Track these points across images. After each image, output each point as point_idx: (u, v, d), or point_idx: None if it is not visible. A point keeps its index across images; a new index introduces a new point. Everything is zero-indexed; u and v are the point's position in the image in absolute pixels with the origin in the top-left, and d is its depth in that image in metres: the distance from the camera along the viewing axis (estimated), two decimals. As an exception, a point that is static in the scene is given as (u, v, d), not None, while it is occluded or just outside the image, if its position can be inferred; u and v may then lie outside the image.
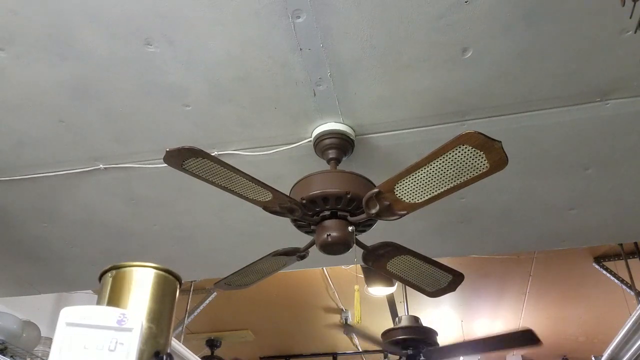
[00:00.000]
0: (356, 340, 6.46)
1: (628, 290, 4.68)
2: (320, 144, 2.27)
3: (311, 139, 2.31)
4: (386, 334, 4.08)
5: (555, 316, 5.88)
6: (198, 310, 5.26)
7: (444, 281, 2.33)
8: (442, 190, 1.82)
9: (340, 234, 2.01)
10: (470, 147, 1.65)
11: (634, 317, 3.52)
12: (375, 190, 1.91)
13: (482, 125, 2.21)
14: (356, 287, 2.17)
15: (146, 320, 1.04)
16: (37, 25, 1.87)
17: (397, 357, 4.26)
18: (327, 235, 2.01)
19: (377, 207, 1.94)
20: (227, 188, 1.95)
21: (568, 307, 5.68)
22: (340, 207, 2.04)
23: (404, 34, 1.88)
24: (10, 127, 2.31)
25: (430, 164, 1.74)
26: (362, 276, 4.74)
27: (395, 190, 1.87)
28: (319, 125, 2.27)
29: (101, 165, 2.53)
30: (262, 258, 2.28)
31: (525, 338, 3.86)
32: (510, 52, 1.94)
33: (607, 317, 5.60)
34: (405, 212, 1.95)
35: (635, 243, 4.46)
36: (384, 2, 1.77)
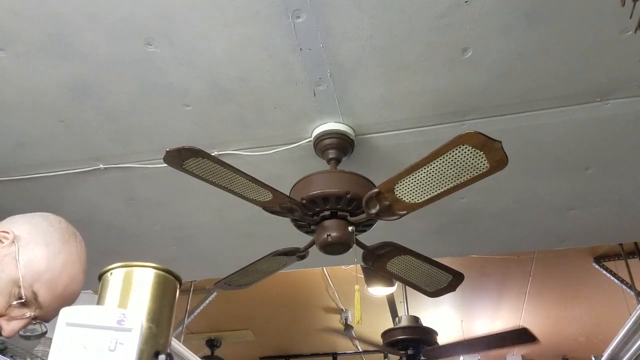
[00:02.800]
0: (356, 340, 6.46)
1: (628, 290, 4.68)
2: (320, 144, 2.27)
3: (311, 139, 2.31)
4: (386, 334, 4.09)
5: (555, 316, 5.87)
6: (198, 310, 5.26)
7: (444, 281, 2.33)
8: (442, 190, 1.82)
9: (340, 234, 2.01)
10: (470, 147, 1.65)
11: (634, 317, 3.52)
12: (375, 190, 1.91)
13: (482, 125, 2.21)
14: (356, 287, 2.17)
15: (146, 320, 1.04)
16: (37, 25, 1.87)
17: (397, 357, 4.26)
18: (327, 235, 2.01)
19: (377, 207, 1.94)
20: (227, 188, 1.95)
21: (568, 307, 5.68)
22: (340, 207, 2.05)
23: (404, 34, 1.88)
24: (10, 127, 2.31)
25: (430, 164, 1.74)
26: (362, 276, 4.74)
27: (395, 190, 1.87)
28: (319, 125, 2.27)
29: (101, 165, 2.53)
30: (262, 258, 2.28)
31: (521, 336, 3.87)
32: (510, 52, 1.94)
33: (607, 317, 5.59)
34: (405, 212, 1.95)
35: (635, 243, 4.45)
36: (384, 2, 1.77)
